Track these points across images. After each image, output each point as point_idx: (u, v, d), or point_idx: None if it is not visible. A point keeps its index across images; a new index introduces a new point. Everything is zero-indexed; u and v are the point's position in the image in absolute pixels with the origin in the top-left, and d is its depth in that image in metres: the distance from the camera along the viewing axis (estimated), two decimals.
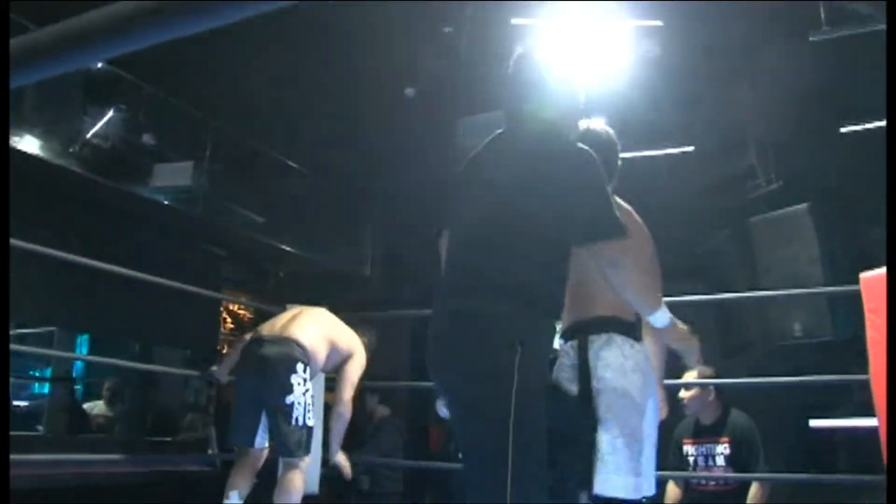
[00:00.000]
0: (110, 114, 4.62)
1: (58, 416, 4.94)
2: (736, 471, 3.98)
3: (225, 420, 5.89)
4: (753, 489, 3.94)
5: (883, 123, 4.65)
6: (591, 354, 2.34)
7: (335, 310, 4.56)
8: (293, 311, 3.96)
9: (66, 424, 5.10)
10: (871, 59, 4.04)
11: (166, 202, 4.99)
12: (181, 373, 5.58)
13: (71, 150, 4.48)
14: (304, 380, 3.49)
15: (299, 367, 3.49)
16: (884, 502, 3.07)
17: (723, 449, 4.04)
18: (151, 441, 5.45)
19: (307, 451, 3.50)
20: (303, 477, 3.50)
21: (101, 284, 4.65)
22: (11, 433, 4.80)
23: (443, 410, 4.00)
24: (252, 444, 3.59)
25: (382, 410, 5.70)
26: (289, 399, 3.41)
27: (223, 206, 5.42)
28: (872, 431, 3.14)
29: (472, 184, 2.24)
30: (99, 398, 5.74)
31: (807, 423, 5.42)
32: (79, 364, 5.97)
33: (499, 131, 2.32)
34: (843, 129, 4.65)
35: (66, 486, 4.12)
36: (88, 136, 4.53)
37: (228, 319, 6.68)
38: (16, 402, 5.34)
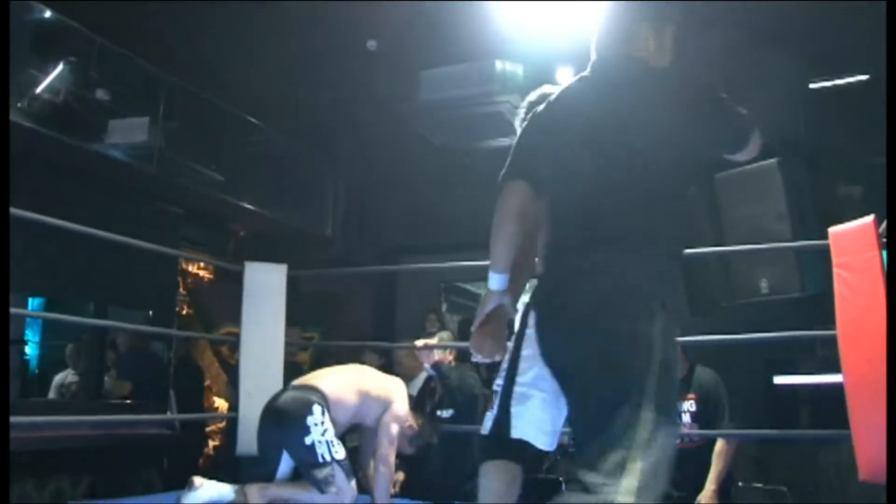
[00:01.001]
0: (60, 67, 4.44)
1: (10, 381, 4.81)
2: (701, 427, 3.98)
3: (185, 382, 5.81)
4: (719, 445, 3.95)
5: (853, 80, 4.63)
6: None
7: (296, 267, 4.49)
8: (333, 367, 3.93)
9: (19, 389, 4.98)
10: (844, 11, 4.00)
11: (121, 159, 4.84)
12: (145, 330, 5.45)
13: (19, 104, 4.30)
14: (322, 422, 3.43)
15: (316, 409, 3.44)
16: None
17: (689, 406, 4.04)
18: (109, 404, 5.34)
19: (336, 485, 3.42)
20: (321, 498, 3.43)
21: (52, 244, 4.51)
22: None
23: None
24: (271, 479, 3.56)
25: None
26: (308, 440, 3.38)
27: (181, 163, 5.27)
28: (835, 387, 3.13)
29: (580, 127, 2.07)
30: (56, 363, 5.59)
31: (771, 379, 5.46)
32: (34, 328, 5.82)
33: (585, 74, 2.18)
34: (812, 85, 4.61)
35: (19, 451, 4.01)
36: (38, 90, 4.35)
37: (188, 281, 6.56)
38: None
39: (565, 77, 4.92)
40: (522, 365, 2.41)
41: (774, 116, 4.70)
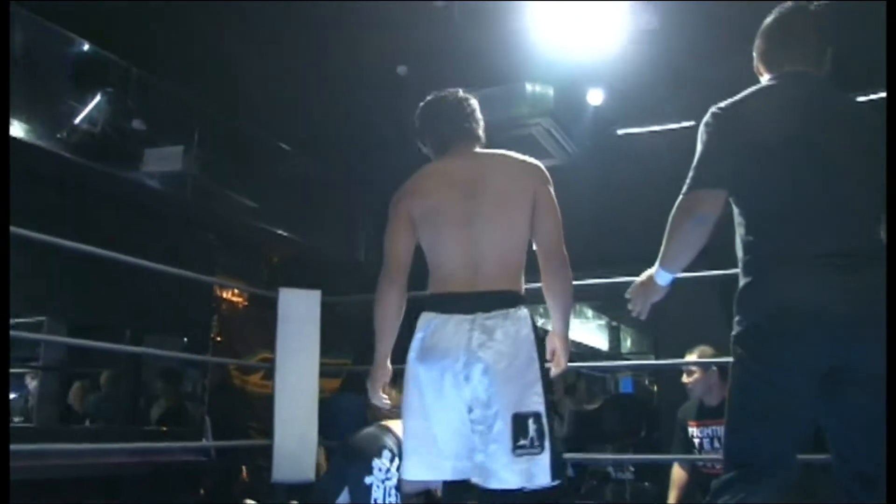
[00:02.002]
0: (98, 98, 4.51)
1: (48, 407, 4.86)
2: None
3: (220, 409, 5.83)
4: None
5: (884, 95, 4.56)
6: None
7: (330, 293, 4.49)
8: None
9: (58, 416, 5.02)
10: (878, 23, 3.95)
11: (156, 187, 4.90)
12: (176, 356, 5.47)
13: (59, 135, 4.38)
14: (388, 469, 3.39)
15: (386, 454, 3.41)
16: None
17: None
18: (145, 431, 5.37)
19: None
20: None
21: (90, 271, 4.56)
22: None
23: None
24: None
25: None
26: (367, 479, 3.35)
27: (215, 190, 5.33)
28: None
29: (787, 133, 2.06)
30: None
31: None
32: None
33: (769, 84, 2.20)
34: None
35: (57, 478, 4.04)
36: (77, 121, 4.43)
37: (222, 307, 6.60)
38: None
39: (595, 98, 4.93)
40: (408, 398, 2.35)
41: None
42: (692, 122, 4.95)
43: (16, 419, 5.00)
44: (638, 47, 4.20)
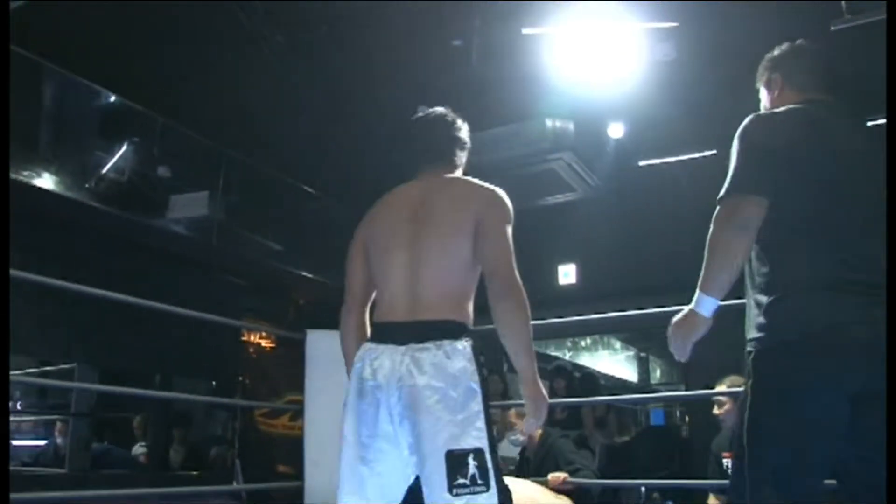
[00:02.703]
0: (124, 147, 4.60)
1: (81, 454, 4.88)
2: None
3: (247, 452, 5.82)
4: None
5: None
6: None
7: None
8: None
9: (90, 462, 5.04)
10: None
11: (182, 233, 4.96)
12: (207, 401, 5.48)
13: (87, 185, 4.46)
14: None
15: None
16: None
17: None
18: (177, 475, 5.38)
19: None
20: None
21: (120, 318, 4.61)
22: (33, 469, 4.78)
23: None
24: None
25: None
26: None
27: (240, 234, 5.38)
28: None
29: (827, 163, 1.99)
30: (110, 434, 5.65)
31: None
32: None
33: (797, 107, 2.11)
34: (869, 123, 4.51)
35: None
36: (104, 171, 4.51)
37: (250, 350, 6.62)
38: (36, 442, 5.28)
39: (616, 131, 4.94)
40: (343, 430, 2.17)
41: None
42: (713, 151, 4.97)
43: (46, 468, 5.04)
44: (656, 79, 4.22)
